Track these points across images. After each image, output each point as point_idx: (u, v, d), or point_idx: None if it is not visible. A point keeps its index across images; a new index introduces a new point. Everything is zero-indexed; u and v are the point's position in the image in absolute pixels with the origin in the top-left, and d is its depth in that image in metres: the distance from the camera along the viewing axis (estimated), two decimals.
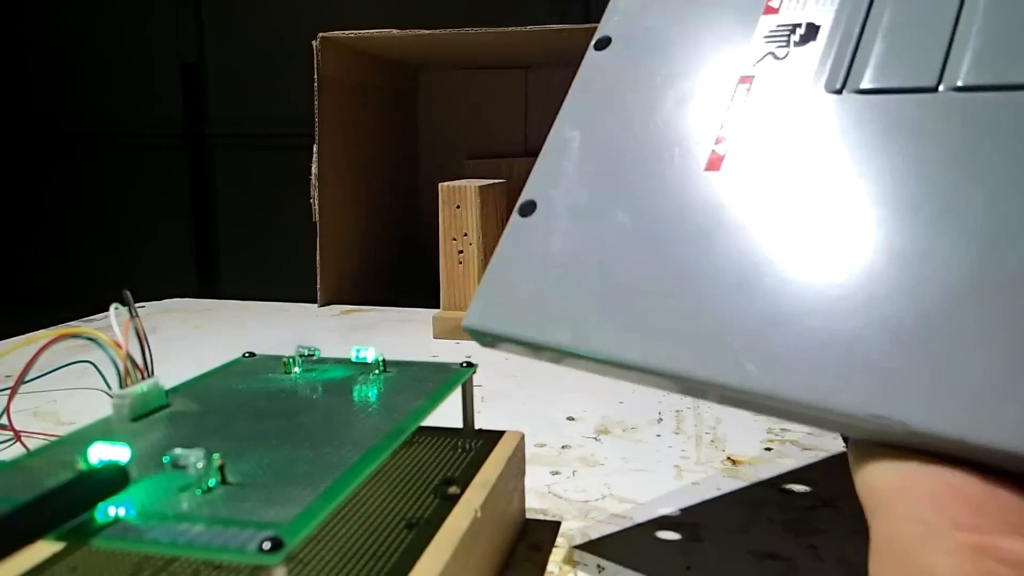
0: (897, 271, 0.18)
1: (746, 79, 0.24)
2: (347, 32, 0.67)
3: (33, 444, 0.34)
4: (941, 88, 0.20)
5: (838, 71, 0.22)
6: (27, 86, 1.72)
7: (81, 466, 0.18)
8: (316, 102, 0.67)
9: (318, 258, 0.70)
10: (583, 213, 0.26)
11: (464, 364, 0.27)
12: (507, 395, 0.45)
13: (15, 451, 0.36)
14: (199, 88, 1.62)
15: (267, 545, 0.15)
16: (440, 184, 0.59)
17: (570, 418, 0.41)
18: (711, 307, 0.21)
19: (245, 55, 1.56)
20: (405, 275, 0.89)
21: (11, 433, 0.35)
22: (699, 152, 0.24)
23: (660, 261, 0.23)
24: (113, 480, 0.17)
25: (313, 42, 0.67)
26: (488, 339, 0.24)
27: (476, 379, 0.28)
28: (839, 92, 0.22)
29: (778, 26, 0.24)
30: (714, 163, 0.23)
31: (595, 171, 0.26)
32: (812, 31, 0.24)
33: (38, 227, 1.77)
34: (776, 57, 0.24)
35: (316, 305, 0.72)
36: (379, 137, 0.83)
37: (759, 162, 0.22)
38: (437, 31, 0.65)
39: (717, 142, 0.24)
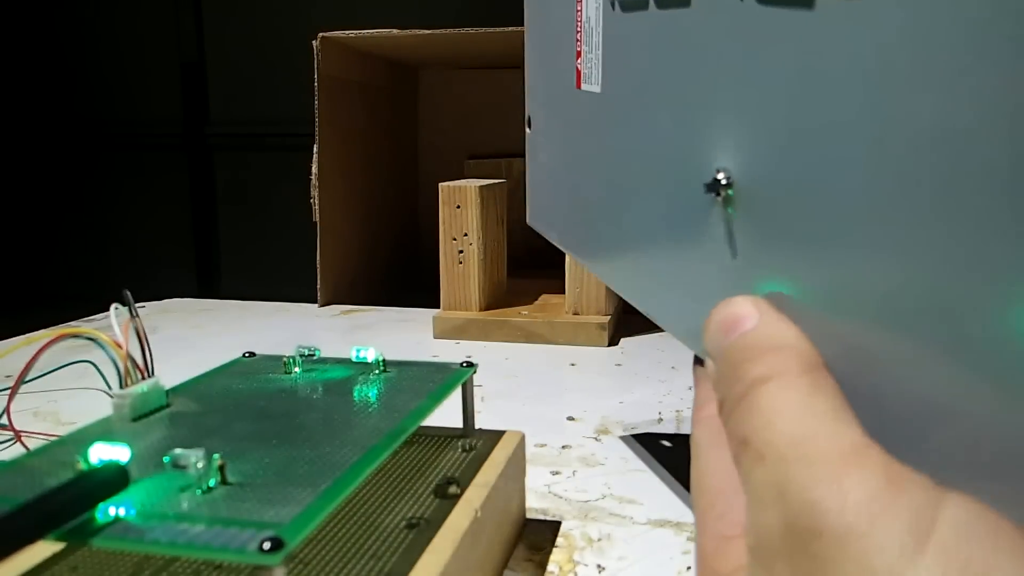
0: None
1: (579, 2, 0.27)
2: (347, 32, 0.67)
3: (33, 444, 0.34)
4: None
5: None
6: (26, 86, 1.72)
7: (81, 466, 0.18)
8: (316, 102, 0.67)
9: (318, 258, 0.70)
10: (541, 128, 0.31)
11: (464, 364, 0.27)
12: (507, 395, 0.45)
13: (15, 451, 0.36)
14: (199, 88, 1.62)
15: (267, 545, 0.15)
16: (440, 184, 0.59)
17: (570, 418, 0.41)
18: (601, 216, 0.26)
19: (245, 55, 1.56)
20: (405, 275, 0.89)
21: (11, 433, 0.35)
22: (571, 71, 0.27)
23: (577, 174, 0.28)
24: (113, 480, 0.17)
25: (313, 42, 0.67)
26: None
27: (476, 379, 0.28)
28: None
29: None
30: (577, 79, 0.27)
31: (540, 88, 0.31)
32: None
33: (38, 227, 1.77)
34: None
35: (316, 305, 0.72)
36: (379, 137, 0.83)
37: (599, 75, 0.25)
38: (437, 31, 0.65)
39: (577, 58, 0.27)
